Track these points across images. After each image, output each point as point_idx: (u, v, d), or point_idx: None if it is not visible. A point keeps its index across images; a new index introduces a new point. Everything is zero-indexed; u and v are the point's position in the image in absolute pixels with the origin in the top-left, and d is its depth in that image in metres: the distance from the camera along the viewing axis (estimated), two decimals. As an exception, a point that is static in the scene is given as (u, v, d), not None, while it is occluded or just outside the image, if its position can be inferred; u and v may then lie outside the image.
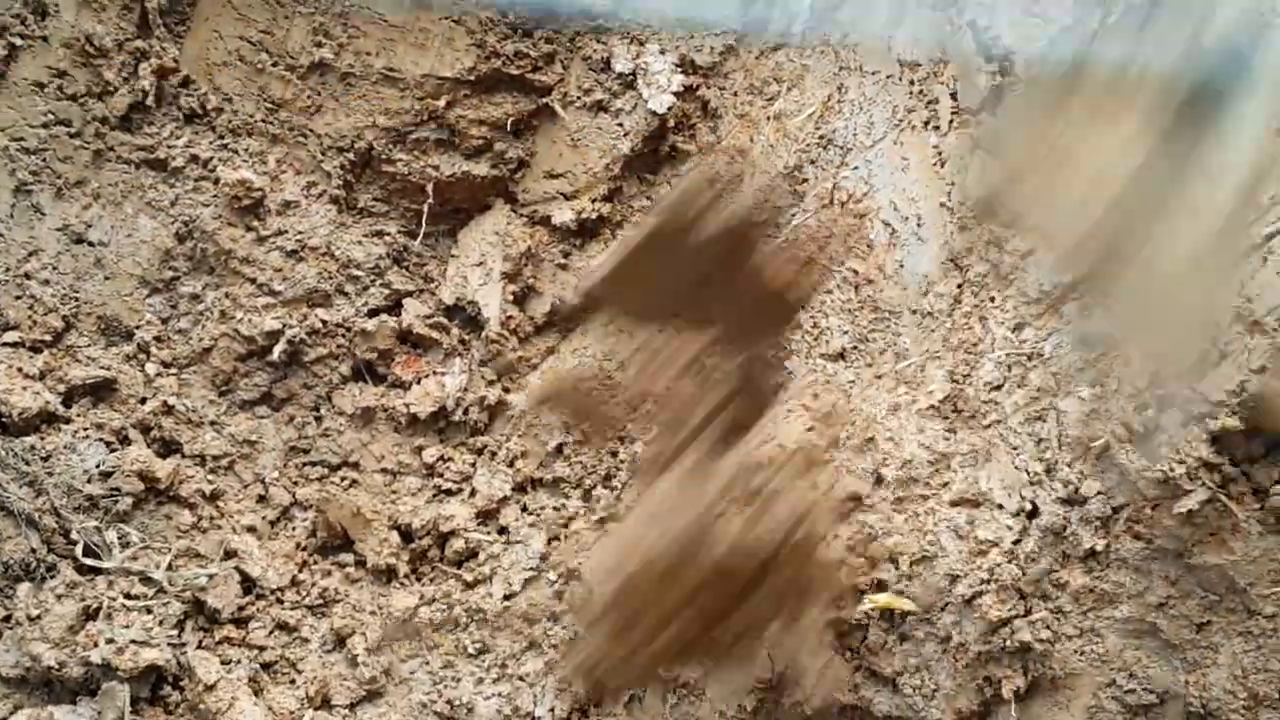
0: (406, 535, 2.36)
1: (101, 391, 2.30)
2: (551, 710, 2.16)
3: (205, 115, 2.33)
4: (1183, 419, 1.63)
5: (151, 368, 2.34)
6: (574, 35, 2.41)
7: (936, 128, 2.12)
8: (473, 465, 2.40)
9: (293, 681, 2.24)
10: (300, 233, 2.37)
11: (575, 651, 2.04)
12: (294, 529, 2.39)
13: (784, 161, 2.25)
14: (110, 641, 2.11)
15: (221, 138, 2.34)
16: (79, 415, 2.26)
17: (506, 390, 2.45)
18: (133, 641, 2.12)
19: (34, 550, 2.18)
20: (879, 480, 1.98)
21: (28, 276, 2.28)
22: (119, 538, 2.21)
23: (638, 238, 1.76)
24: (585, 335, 2.44)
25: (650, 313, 1.83)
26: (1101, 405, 1.76)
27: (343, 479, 2.42)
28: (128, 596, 2.18)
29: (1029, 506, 1.85)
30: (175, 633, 2.19)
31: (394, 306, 2.46)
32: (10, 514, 2.17)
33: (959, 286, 2.04)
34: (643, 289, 1.78)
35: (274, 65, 2.34)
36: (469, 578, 2.29)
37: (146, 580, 2.21)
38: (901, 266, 2.11)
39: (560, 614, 2.21)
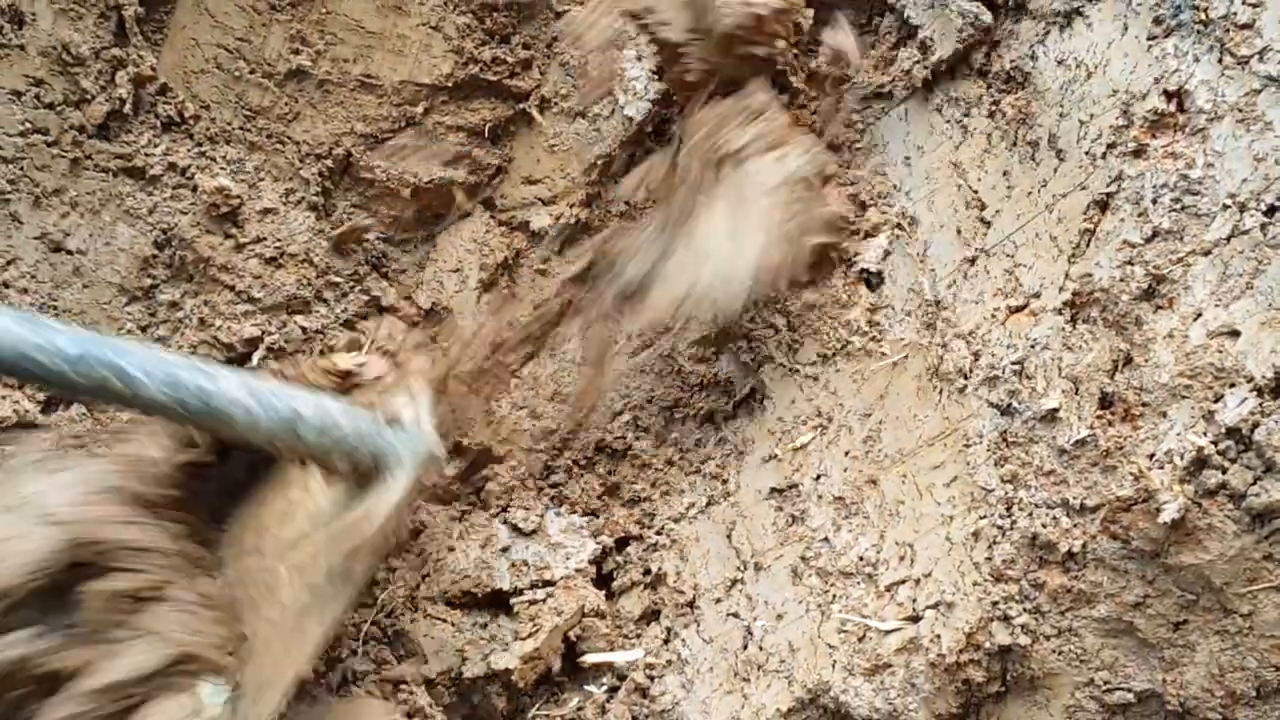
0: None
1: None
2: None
3: (183, 123, 2.33)
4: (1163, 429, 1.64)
5: (131, 376, 2.34)
6: (551, 41, 2.42)
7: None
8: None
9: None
10: (279, 240, 2.37)
11: None
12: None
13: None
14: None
15: (199, 145, 2.34)
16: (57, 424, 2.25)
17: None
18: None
19: (12, 562, 2.17)
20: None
21: (6, 285, 2.27)
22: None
23: None
24: (567, 340, 2.45)
25: None
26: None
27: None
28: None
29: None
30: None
31: (373, 313, 2.46)
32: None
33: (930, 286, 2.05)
34: None
35: (251, 73, 2.34)
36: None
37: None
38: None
39: None
